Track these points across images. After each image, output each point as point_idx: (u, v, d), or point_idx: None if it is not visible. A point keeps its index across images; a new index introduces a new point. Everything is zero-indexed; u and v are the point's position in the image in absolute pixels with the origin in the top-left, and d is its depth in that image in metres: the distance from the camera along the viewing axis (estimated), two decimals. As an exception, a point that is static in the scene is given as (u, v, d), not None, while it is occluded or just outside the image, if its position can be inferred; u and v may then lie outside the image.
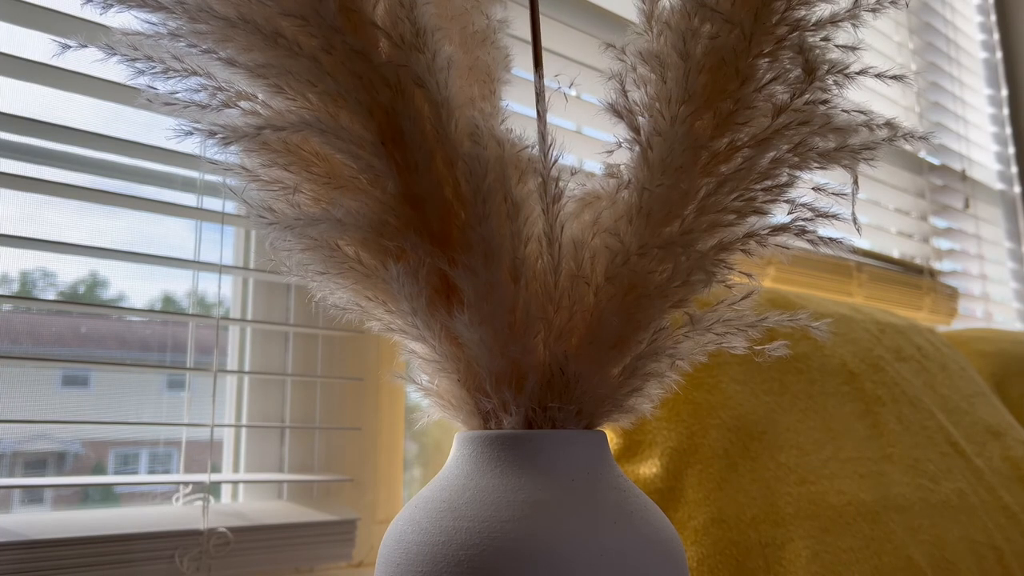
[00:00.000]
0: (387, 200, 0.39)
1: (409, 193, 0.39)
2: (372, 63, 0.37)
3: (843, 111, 0.40)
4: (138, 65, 0.38)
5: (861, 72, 0.40)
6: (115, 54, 0.38)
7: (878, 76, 0.41)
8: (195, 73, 0.39)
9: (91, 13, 0.37)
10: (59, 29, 0.63)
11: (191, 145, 0.40)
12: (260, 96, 0.40)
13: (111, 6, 0.37)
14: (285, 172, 0.40)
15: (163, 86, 0.39)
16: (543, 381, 0.39)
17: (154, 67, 0.38)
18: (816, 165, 0.40)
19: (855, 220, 0.42)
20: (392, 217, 0.39)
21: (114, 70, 0.39)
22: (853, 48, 0.40)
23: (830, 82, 0.40)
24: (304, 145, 0.40)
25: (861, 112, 0.41)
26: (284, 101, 0.39)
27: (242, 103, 0.40)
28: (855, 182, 0.42)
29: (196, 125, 0.39)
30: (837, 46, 0.40)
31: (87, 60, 0.39)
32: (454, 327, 0.38)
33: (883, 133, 0.41)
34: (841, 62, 0.40)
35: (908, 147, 1.50)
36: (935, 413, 0.89)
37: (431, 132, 0.38)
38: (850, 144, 0.40)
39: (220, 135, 0.38)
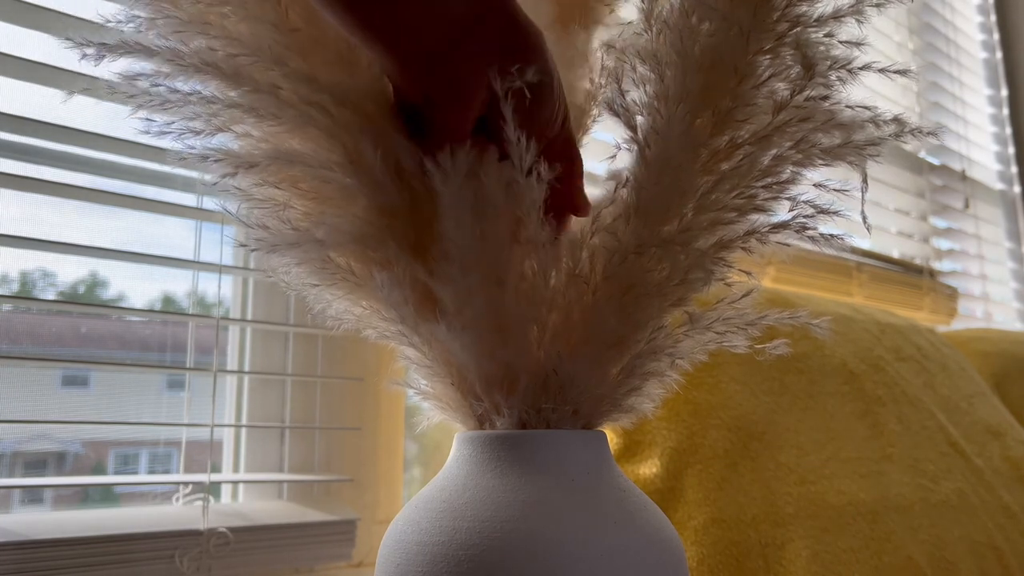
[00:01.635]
0: (364, 215, 0.39)
1: (383, 207, 0.39)
2: (320, 87, 0.38)
3: (847, 107, 0.40)
4: (138, 99, 0.40)
5: (864, 68, 0.40)
6: (115, 91, 0.40)
7: (882, 71, 0.41)
8: (189, 102, 0.40)
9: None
10: (59, 29, 0.63)
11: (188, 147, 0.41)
12: (263, 129, 0.41)
13: (103, 56, 0.38)
14: (276, 190, 0.41)
15: (160, 117, 0.41)
16: (537, 382, 0.39)
17: (151, 101, 0.40)
18: (821, 162, 0.40)
19: (864, 219, 0.41)
20: (372, 230, 0.39)
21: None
22: (857, 44, 0.40)
23: (833, 78, 0.39)
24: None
25: (865, 108, 0.40)
26: (267, 128, 0.40)
27: (236, 127, 0.41)
28: (864, 180, 0.41)
29: (192, 150, 0.40)
30: (841, 42, 0.40)
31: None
32: (436, 335, 0.38)
33: (890, 129, 0.41)
34: (843, 58, 0.39)
35: (910, 146, 1.50)
36: (935, 413, 0.89)
37: (389, 145, 0.39)
38: (855, 140, 0.39)
39: (212, 159, 0.39)
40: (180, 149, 0.40)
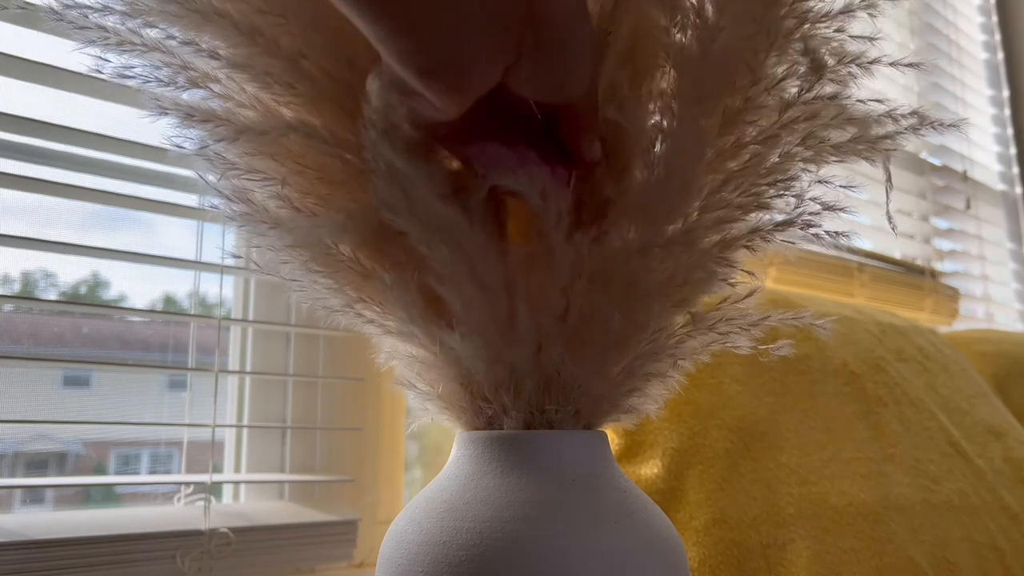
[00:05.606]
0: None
1: None
2: (352, 67, 0.36)
3: (859, 101, 0.39)
4: (88, 34, 0.35)
5: (874, 62, 0.39)
6: (61, 19, 0.36)
7: (892, 64, 0.39)
8: (156, 49, 0.36)
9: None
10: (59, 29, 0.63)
11: (180, 139, 0.37)
12: (249, 90, 0.38)
13: None
14: (272, 162, 0.38)
15: (119, 59, 0.36)
16: (541, 384, 0.39)
17: (107, 38, 0.35)
18: (834, 159, 0.39)
19: (890, 218, 0.40)
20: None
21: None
22: (870, 38, 0.39)
23: (844, 73, 0.38)
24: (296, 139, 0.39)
25: (878, 101, 0.39)
26: (272, 97, 0.37)
27: (212, 85, 0.37)
28: (888, 178, 0.40)
29: (159, 102, 0.36)
30: (852, 36, 0.39)
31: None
32: (445, 340, 0.38)
33: (907, 123, 0.39)
34: (853, 53, 0.38)
35: (911, 147, 1.49)
36: (936, 414, 0.89)
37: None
38: (870, 134, 0.38)
39: (196, 118, 0.36)
40: (151, 98, 0.36)
